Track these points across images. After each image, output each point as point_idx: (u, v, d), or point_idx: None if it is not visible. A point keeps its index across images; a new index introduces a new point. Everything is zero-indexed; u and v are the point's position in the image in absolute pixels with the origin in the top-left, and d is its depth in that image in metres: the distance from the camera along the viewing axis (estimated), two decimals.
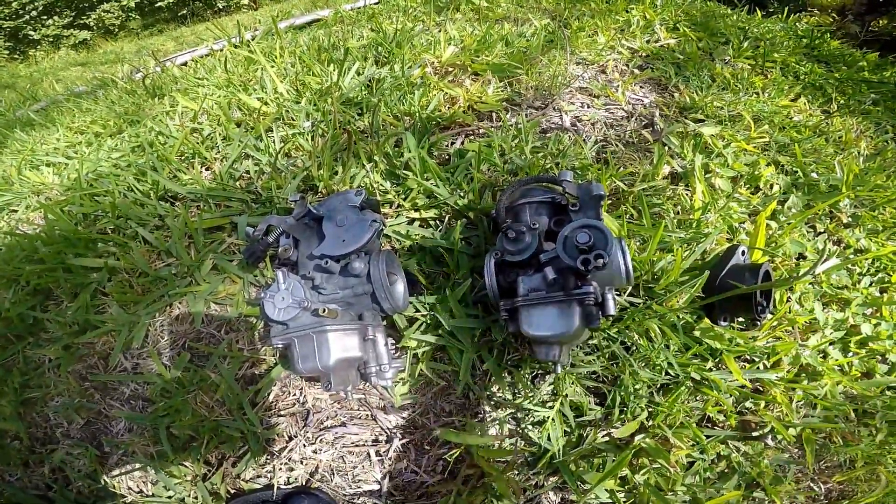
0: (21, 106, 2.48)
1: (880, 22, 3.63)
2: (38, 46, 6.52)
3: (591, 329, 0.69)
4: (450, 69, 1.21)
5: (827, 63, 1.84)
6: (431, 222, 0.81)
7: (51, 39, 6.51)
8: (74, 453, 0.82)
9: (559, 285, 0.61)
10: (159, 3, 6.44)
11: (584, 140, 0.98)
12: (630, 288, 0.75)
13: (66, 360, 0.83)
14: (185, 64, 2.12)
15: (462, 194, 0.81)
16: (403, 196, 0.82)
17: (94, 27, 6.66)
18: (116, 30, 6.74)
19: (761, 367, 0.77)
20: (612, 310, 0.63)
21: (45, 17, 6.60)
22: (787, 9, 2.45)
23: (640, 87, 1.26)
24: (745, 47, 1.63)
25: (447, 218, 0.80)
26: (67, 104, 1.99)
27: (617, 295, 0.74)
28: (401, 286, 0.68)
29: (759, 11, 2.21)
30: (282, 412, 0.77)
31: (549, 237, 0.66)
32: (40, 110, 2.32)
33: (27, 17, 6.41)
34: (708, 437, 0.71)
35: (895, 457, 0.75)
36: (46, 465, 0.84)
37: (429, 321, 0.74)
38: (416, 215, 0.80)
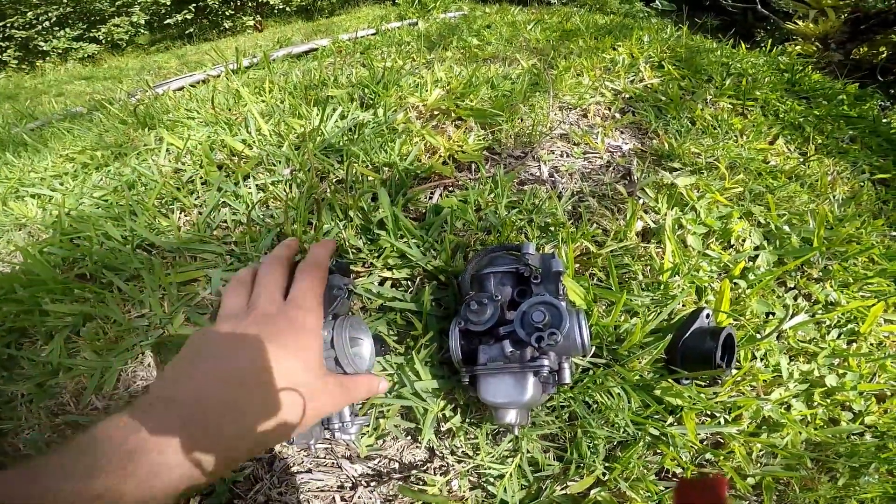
0: (17, 123, 2.50)
1: (861, 50, 3.69)
2: (47, 58, 6.61)
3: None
4: (434, 113, 1.24)
5: (808, 98, 1.86)
6: (403, 282, 0.82)
7: (60, 52, 6.60)
8: None
9: (517, 356, 0.62)
10: (168, 21, 6.56)
11: (559, 195, 1.00)
12: (589, 356, 0.76)
13: (38, 397, 0.84)
14: (181, 89, 2.16)
15: (435, 254, 0.82)
16: (377, 254, 0.83)
17: (103, 41, 6.76)
18: (124, 45, 6.85)
19: (722, 421, 0.78)
20: (567, 379, 0.65)
21: (56, 29, 6.69)
22: (770, 41, 2.50)
23: (621, 132, 1.29)
24: (727, 85, 1.65)
25: (419, 278, 0.81)
26: (63, 125, 2.00)
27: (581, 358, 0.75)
28: (366, 349, 0.69)
29: (743, 45, 2.26)
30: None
31: (513, 306, 0.68)
32: (35, 129, 2.33)
33: (39, 27, 6.51)
34: (666, 488, 0.72)
35: (858, 498, 0.75)
36: None
37: (395, 380, 0.75)
38: (389, 274, 0.81)
